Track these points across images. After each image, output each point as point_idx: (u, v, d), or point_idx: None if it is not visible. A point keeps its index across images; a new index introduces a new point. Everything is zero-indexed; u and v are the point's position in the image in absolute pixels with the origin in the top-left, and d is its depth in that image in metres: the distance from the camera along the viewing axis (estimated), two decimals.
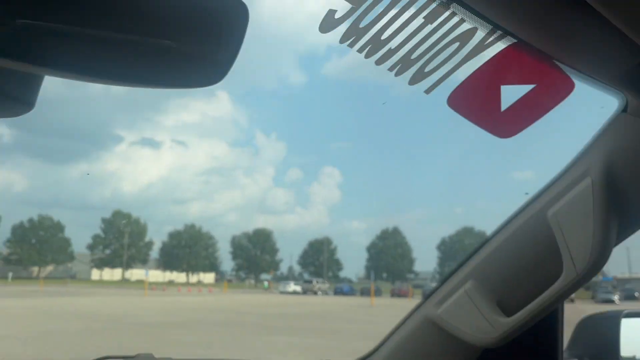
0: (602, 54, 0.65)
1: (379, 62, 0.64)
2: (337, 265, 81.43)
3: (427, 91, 0.69)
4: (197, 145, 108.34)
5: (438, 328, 0.98)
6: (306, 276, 76.94)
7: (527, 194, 0.94)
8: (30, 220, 69.84)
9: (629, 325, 1.06)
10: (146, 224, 77.22)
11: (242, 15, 0.46)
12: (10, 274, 60.58)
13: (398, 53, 0.64)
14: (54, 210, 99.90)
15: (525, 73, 0.70)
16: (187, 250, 75.06)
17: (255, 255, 78.71)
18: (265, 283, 60.75)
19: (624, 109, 0.78)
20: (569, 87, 0.71)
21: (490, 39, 0.65)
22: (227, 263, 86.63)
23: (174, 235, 76.42)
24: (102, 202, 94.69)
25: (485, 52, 0.66)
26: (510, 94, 0.72)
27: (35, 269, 70.40)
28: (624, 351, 1.03)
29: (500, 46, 0.67)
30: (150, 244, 75.95)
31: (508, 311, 0.90)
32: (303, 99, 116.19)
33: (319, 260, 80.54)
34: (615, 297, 46.18)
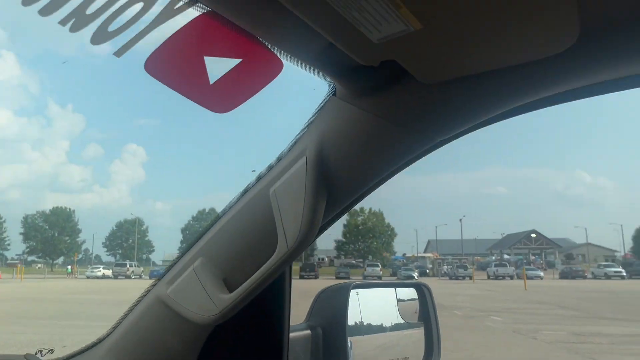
0: (304, 37, 0.67)
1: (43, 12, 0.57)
2: (148, 247, 77.95)
3: (118, 54, 0.64)
4: None
5: (167, 308, 0.97)
6: (111, 259, 72.29)
7: (254, 171, 0.95)
8: None
9: (356, 295, 1.18)
10: None
11: None
12: None
13: (69, 4, 0.59)
14: None
15: (227, 47, 0.70)
16: None
17: (52, 237, 71.21)
18: (69, 267, 55.34)
19: (334, 93, 0.83)
20: (277, 67, 0.73)
21: (180, 4, 0.63)
22: (16, 246, 76.93)
23: None
24: None
25: (179, 18, 0.64)
26: (217, 67, 0.72)
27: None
28: (351, 319, 1.14)
29: (194, 13, 0.66)
30: None
31: (232, 287, 0.92)
32: (107, 69, 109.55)
33: (129, 242, 76.22)
34: (415, 274, 52.82)
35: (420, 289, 1.38)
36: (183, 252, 1.01)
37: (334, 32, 0.63)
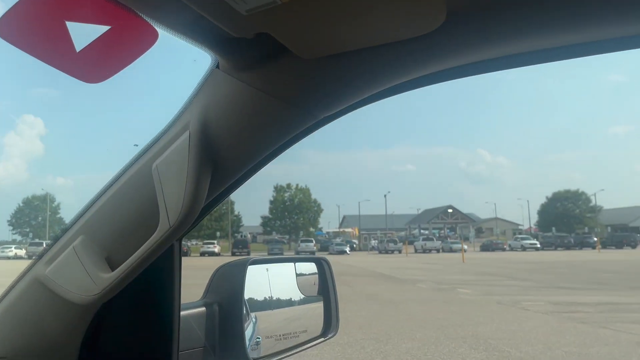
0: (175, 6, 0.65)
1: None
2: (60, 224, 72.98)
3: None
4: None
5: (46, 289, 0.92)
6: (19, 238, 66.99)
7: (136, 145, 0.94)
8: None
9: (253, 271, 1.16)
10: None
11: None
12: None
13: None
14: None
15: (93, 13, 0.67)
16: None
17: None
18: None
19: (217, 65, 0.81)
20: (151, 37, 0.70)
21: None
22: None
23: None
24: None
25: None
26: (83, 34, 0.67)
27: None
28: (247, 294, 1.12)
29: None
30: None
31: (114, 266, 0.89)
32: None
33: (38, 220, 70.87)
34: (347, 248, 53.71)
35: (320, 263, 1.38)
36: (64, 231, 0.96)
37: (200, 2, 0.62)
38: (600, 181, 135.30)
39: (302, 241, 54.85)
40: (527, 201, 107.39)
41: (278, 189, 79.74)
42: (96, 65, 0.71)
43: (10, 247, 46.01)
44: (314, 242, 55.24)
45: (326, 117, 0.88)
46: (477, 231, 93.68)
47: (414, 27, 0.67)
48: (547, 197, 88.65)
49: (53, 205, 72.10)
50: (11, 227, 70.31)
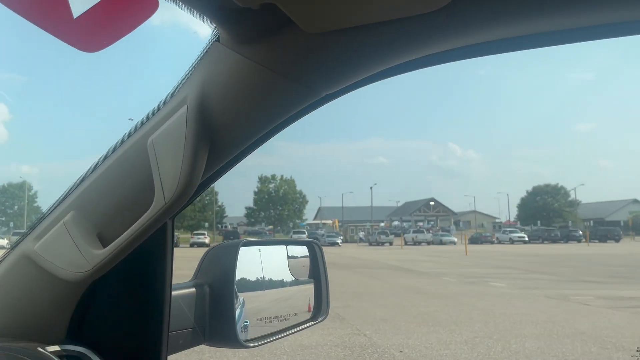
0: None
1: None
2: (37, 213, 70.86)
3: None
4: None
5: (35, 265, 0.91)
6: None
7: (131, 119, 0.90)
8: None
9: (244, 253, 1.14)
10: None
11: None
12: None
13: None
14: None
15: None
16: None
17: None
18: None
19: (218, 39, 0.79)
20: (151, 6, 0.69)
21: None
22: None
23: None
24: None
25: None
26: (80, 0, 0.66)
27: None
28: (238, 275, 1.11)
29: None
30: None
31: (106, 243, 0.87)
32: None
33: (14, 208, 68.63)
34: (339, 240, 53.49)
35: (311, 246, 1.38)
36: (54, 206, 0.93)
37: None
38: (566, 177, 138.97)
39: (295, 232, 54.59)
40: (507, 195, 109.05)
41: (263, 180, 79.00)
42: (93, 33, 0.68)
43: None
44: (306, 233, 54.90)
45: (328, 94, 0.86)
46: (454, 224, 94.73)
47: (421, 4, 0.66)
48: (527, 191, 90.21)
49: (30, 193, 69.82)
50: None
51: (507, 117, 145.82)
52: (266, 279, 1.25)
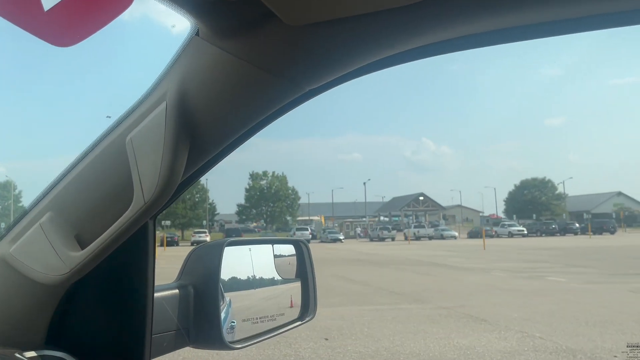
0: None
1: None
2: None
3: None
4: None
5: (11, 268, 0.88)
6: None
7: (109, 117, 0.92)
8: None
9: (230, 252, 1.12)
10: None
11: None
12: None
13: None
14: None
15: None
16: None
17: None
18: None
19: (197, 32, 0.77)
20: (125, 1, 0.66)
21: None
22: None
23: None
24: None
25: None
26: None
27: None
28: (224, 276, 1.09)
29: None
30: None
31: (85, 244, 0.85)
32: None
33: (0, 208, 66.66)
34: (341, 236, 53.12)
35: (298, 245, 1.36)
36: (30, 207, 0.91)
37: None
38: (538, 171, 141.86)
39: (298, 229, 53.98)
40: (494, 189, 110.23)
41: (254, 177, 78.09)
42: (66, 26, 0.65)
43: None
44: (309, 229, 54.38)
45: (312, 89, 0.84)
46: (440, 218, 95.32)
47: None
48: (515, 185, 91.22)
49: (14, 192, 67.65)
50: None
51: (480, 112, 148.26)
52: (252, 278, 1.22)
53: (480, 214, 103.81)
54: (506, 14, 0.71)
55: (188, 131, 0.79)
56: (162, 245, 37.93)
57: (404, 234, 57.10)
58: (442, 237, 55.27)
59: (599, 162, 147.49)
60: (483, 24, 0.74)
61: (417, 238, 54.81)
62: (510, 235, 56.31)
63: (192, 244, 47.38)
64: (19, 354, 0.84)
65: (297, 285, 1.32)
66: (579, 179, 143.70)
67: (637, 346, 6.26)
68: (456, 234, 57.01)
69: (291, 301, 1.30)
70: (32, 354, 0.86)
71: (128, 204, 0.80)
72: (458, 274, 16.50)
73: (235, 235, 49.40)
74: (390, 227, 58.00)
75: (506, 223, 62.68)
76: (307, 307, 1.31)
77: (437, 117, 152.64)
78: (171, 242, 44.93)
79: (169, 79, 0.80)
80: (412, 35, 0.75)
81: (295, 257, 1.34)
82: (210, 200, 74.02)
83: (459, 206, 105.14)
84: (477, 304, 10.16)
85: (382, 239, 53.52)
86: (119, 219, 0.81)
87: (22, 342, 0.90)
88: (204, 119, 0.79)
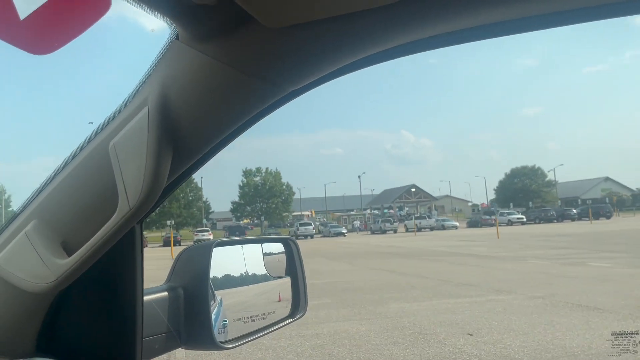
0: None
1: None
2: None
3: None
4: None
5: None
6: None
7: (91, 123, 0.92)
8: None
9: (219, 253, 1.12)
10: None
11: None
12: None
13: None
14: None
15: None
16: None
17: None
18: None
19: (177, 36, 0.77)
20: (104, 5, 0.66)
21: None
22: None
23: None
24: None
25: None
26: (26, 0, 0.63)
27: None
28: (213, 276, 1.10)
29: None
30: None
31: (71, 252, 0.85)
32: None
33: None
34: (344, 230, 52.96)
35: (287, 243, 1.36)
36: (14, 215, 0.91)
37: None
38: (516, 159, 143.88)
39: (301, 224, 53.59)
40: (484, 178, 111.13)
41: (247, 173, 77.49)
42: (43, 35, 0.65)
43: None
44: (312, 225, 54.11)
45: (294, 90, 0.85)
46: (428, 209, 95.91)
47: None
48: (505, 174, 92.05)
49: (4, 197, 66.02)
50: None
51: (458, 104, 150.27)
52: (242, 276, 1.23)
53: (469, 204, 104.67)
54: (483, 11, 0.71)
55: (171, 135, 0.79)
56: (166, 245, 37.17)
57: (405, 225, 57.22)
58: (443, 228, 55.47)
59: (578, 148, 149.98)
60: (461, 22, 0.74)
61: (419, 229, 54.93)
62: (510, 223, 56.76)
63: (195, 243, 46.52)
64: None
65: (287, 281, 1.33)
66: (561, 166, 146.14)
67: (621, 334, 6.14)
68: (457, 224, 57.22)
69: (279, 296, 1.30)
70: None
71: (114, 209, 0.79)
72: (497, 263, 16.23)
73: (239, 233, 48.94)
74: (392, 219, 57.98)
75: (504, 211, 63.13)
76: (298, 304, 1.31)
77: (416, 110, 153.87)
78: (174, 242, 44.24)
79: (150, 83, 0.79)
80: (391, 34, 0.75)
81: (284, 255, 1.35)
82: (204, 199, 73.35)
83: (448, 196, 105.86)
84: (562, 292, 9.84)
85: (384, 232, 53.51)
86: (105, 225, 0.80)
87: (12, 351, 0.90)
88: (186, 123, 0.79)
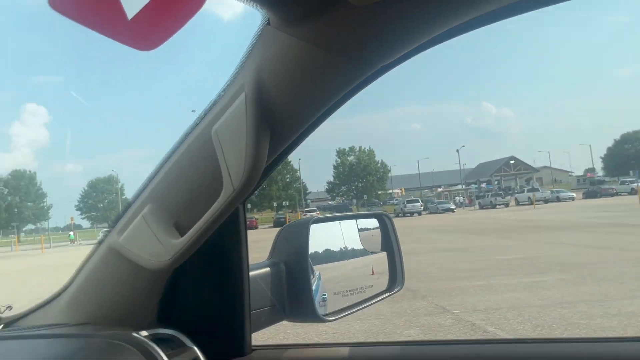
0: None
1: None
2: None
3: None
4: None
5: (120, 256, 0.97)
6: (87, 224, 66.58)
7: (194, 111, 0.95)
8: None
9: (316, 229, 1.15)
10: None
11: None
12: None
13: None
14: None
15: None
16: None
17: (14, 203, 63.47)
18: (71, 234, 48.34)
19: (268, 22, 0.79)
20: (198, 1, 0.69)
21: None
22: None
23: None
24: None
25: None
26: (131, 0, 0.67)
27: None
28: (311, 252, 1.13)
29: None
30: None
31: (183, 232, 0.91)
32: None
33: (105, 202, 69.83)
34: (452, 206, 51.78)
35: (382, 218, 1.37)
36: (132, 200, 1.00)
37: None
38: (608, 126, 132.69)
39: (408, 202, 52.70)
40: (590, 146, 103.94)
41: (341, 153, 77.42)
42: (148, 32, 0.70)
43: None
44: (420, 202, 53.15)
45: (384, 65, 0.85)
46: (526, 181, 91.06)
47: None
48: (615, 140, 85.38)
49: (116, 186, 70.72)
50: (79, 212, 69.27)
51: (540, 70, 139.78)
52: (339, 253, 1.26)
53: (571, 174, 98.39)
54: None
55: (268, 118, 0.82)
56: (277, 226, 37.14)
57: (515, 199, 54.42)
58: (558, 200, 52.08)
59: None
60: None
61: (530, 202, 51.92)
62: (633, 192, 52.32)
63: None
64: (135, 332, 0.92)
65: (382, 256, 1.33)
66: None
67: None
68: (574, 194, 53.62)
69: (372, 270, 1.32)
70: (146, 332, 0.94)
71: (219, 192, 0.84)
72: None
73: (346, 211, 49.20)
74: (502, 193, 55.33)
75: (626, 180, 58.22)
76: (395, 278, 1.32)
77: (497, 80, 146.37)
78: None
79: (245, 70, 0.82)
80: (482, 2, 0.74)
81: (379, 231, 1.35)
82: (300, 180, 74.37)
83: (547, 167, 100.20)
84: None
85: (494, 206, 51.14)
86: (212, 206, 0.86)
87: (136, 322, 0.98)
88: (282, 105, 0.82)
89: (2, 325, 1.09)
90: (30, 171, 68.22)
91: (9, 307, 1.15)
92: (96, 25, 0.66)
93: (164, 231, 0.91)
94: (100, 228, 66.45)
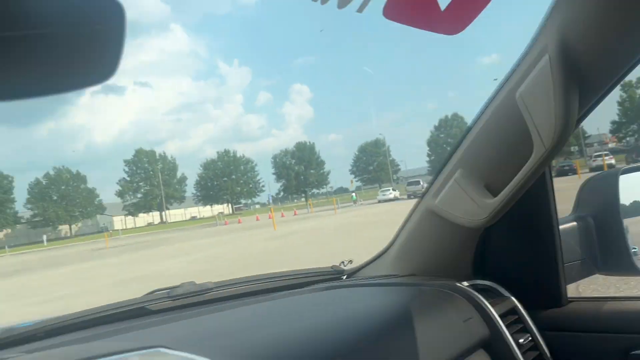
0: None
1: None
2: (393, 166, 75.71)
3: (360, 10, 0.73)
4: (161, 84, 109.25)
5: (438, 217, 1.08)
6: (358, 185, 72.51)
7: (495, 79, 0.98)
8: (47, 176, 62.24)
9: (625, 180, 1.09)
10: (174, 158, 71.91)
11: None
12: (44, 237, 51.83)
13: None
14: (32, 174, 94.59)
15: None
16: (226, 179, 70.14)
17: (300, 172, 71.86)
18: (354, 195, 51.68)
19: None
20: None
21: None
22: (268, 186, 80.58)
23: (209, 166, 71.39)
24: (76, 156, 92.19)
25: None
26: None
27: (65, 227, 65.33)
28: (622, 200, 1.07)
29: None
30: (183, 180, 71.22)
31: (494, 192, 0.97)
32: (259, 18, 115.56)
33: (374, 164, 74.11)
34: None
35: None
36: (441, 167, 1.08)
37: None
38: None
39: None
40: None
41: (625, 85, 63.96)
42: (457, 18, 0.77)
43: (389, 189, 45.40)
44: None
45: None
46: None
47: None
48: None
49: (382, 149, 73.34)
50: (353, 175, 75.48)
51: None
52: None
53: None
54: None
55: (575, 76, 0.81)
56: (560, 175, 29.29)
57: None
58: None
59: None
60: None
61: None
62: None
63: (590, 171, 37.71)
64: (458, 283, 1.05)
65: None
66: None
67: None
68: None
69: None
70: (467, 283, 1.06)
71: (527, 153, 0.88)
72: None
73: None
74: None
75: None
76: None
77: None
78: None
79: (545, 32, 0.82)
80: None
81: None
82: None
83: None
84: None
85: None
86: (525, 166, 0.90)
87: (456, 274, 1.11)
88: (589, 62, 0.81)
89: (345, 276, 1.32)
90: (309, 142, 74.66)
91: (350, 261, 1.39)
92: (421, 24, 0.76)
93: (477, 192, 0.98)
94: (369, 189, 70.42)
